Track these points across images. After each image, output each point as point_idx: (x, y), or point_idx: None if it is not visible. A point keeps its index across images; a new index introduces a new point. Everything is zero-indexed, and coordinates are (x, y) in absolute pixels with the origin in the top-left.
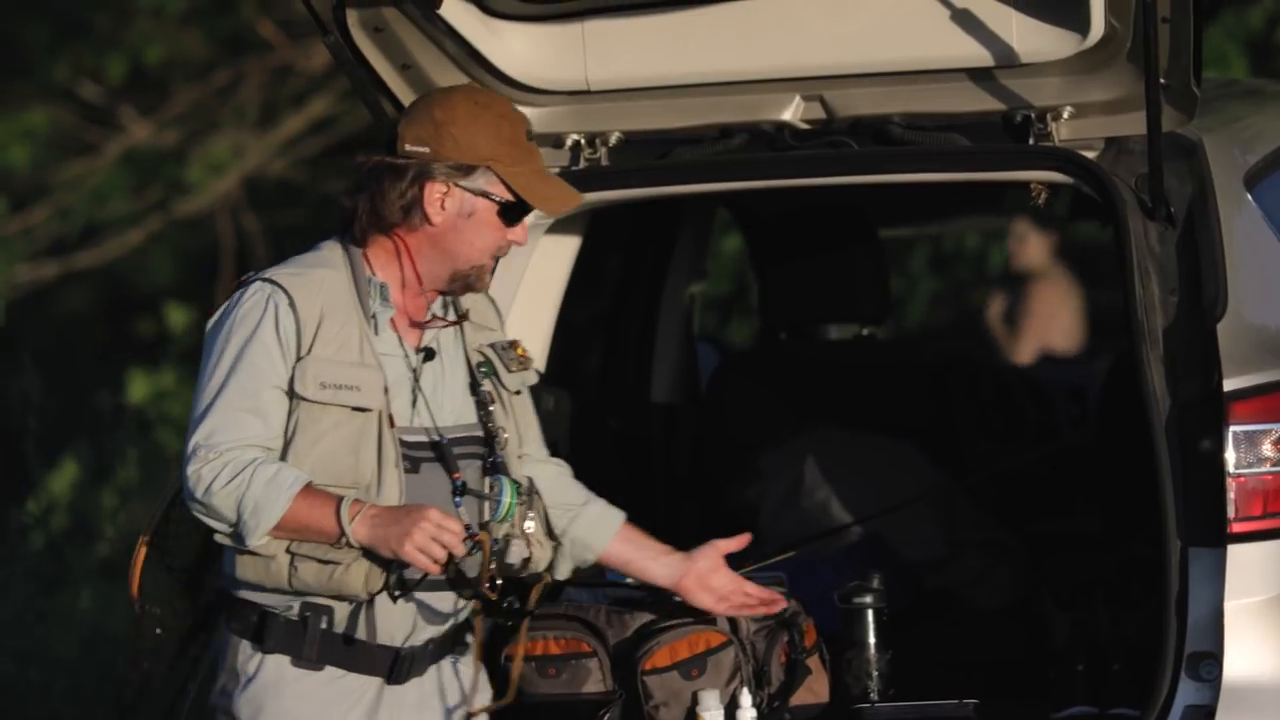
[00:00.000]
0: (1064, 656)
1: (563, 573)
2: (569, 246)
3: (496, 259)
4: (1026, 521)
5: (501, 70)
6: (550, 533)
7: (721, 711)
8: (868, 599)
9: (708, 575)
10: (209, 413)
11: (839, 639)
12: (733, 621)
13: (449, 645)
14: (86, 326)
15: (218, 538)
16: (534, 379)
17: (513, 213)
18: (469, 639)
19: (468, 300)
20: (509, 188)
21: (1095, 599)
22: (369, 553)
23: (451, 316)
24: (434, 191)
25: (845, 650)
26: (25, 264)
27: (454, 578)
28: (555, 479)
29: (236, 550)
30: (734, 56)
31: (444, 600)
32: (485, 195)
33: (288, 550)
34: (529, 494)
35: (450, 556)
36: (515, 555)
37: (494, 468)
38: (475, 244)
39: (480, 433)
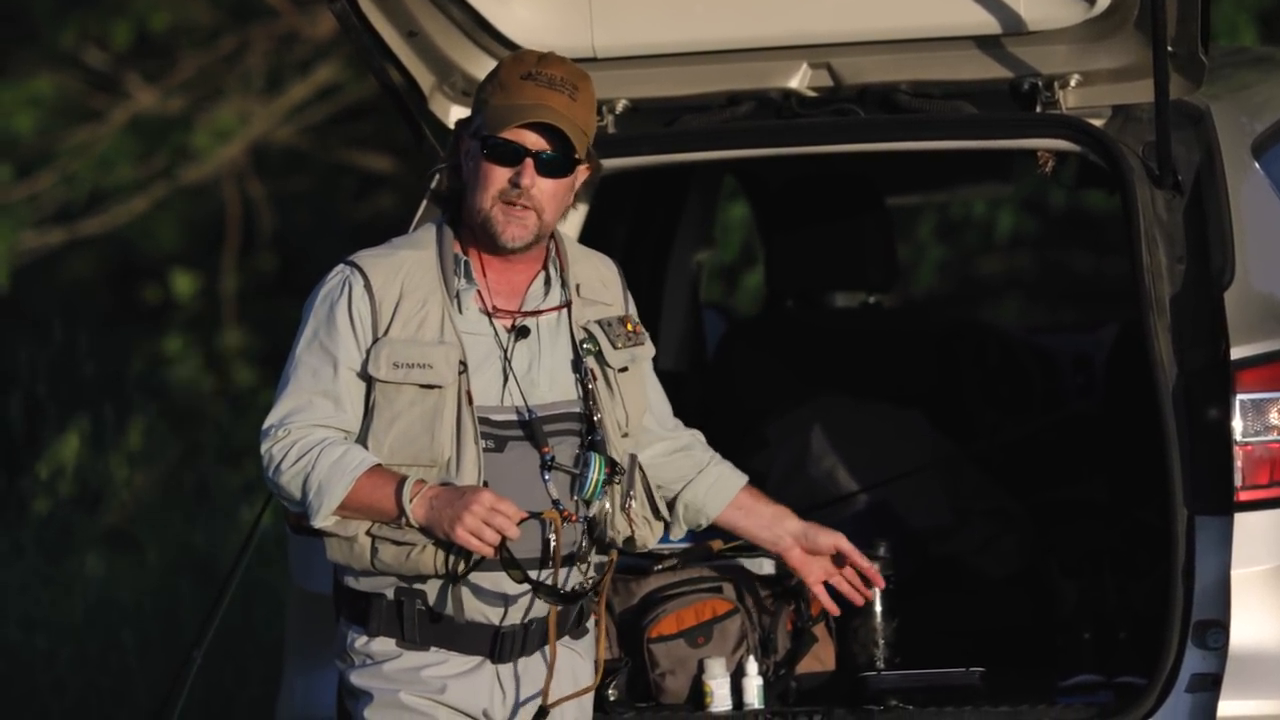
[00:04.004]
0: (1070, 625)
1: (676, 534)
2: (576, 214)
3: (522, 206)
4: (1033, 490)
5: (507, 37)
6: (657, 512)
7: (728, 679)
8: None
9: (816, 540)
10: (283, 394)
11: (845, 607)
12: (739, 589)
13: (566, 627)
14: (92, 293)
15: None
16: (649, 353)
17: (494, 149)
18: (590, 624)
19: (580, 274)
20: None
21: (1102, 567)
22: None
23: (556, 294)
24: (461, 149)
25: (851, 618)
26: (31, 231)
27: (507, 560)
28: (673, 453)
29: (325, 534)
30: (741, 23)
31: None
32: (474, 136)
33: (368, 532)
34: (628, 472)
35: (504, 539)
36: (610, 532)
37: (591, 445)
38: (477, 188)
39: (579, 410)
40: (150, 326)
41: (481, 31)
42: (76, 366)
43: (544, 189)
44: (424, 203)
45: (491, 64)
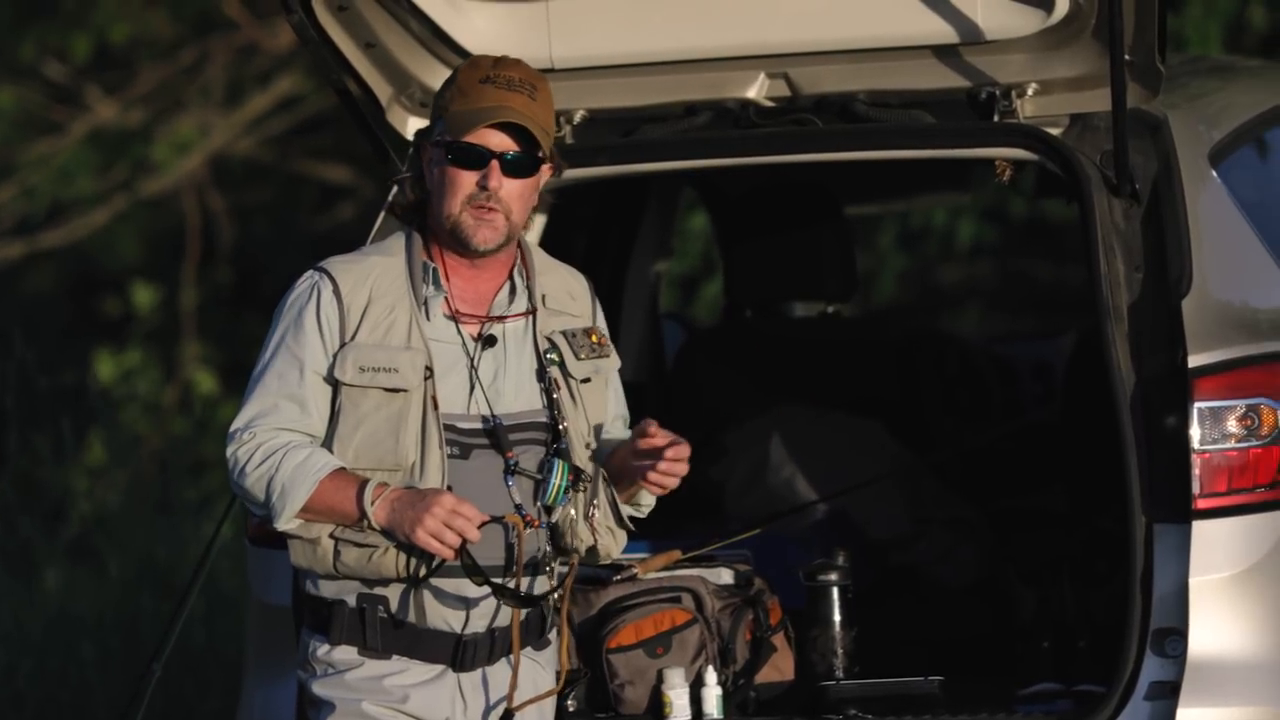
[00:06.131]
0: (1029, 633)
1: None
2: (534, 224)
3: (490, 208)
4: (992, 498)
5: (466, 48)
6: (621, 522)
7: (687, 689)
8: (833, 576)
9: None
10: (250, 399)
11: (804, 616)
12: (698, 599)
13: (528, 637)
14: (52, 306)
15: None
16: (613, 366)
17: (459, 153)
18: (552, 635)
19: (546, 285)
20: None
21: (1061, 576)
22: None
23: (523, 304)
24: (424, 158)
25: (810, 628)
26: None
27: (468, 564)
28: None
29: (288, 537)
30: (699, 34)
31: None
32: (438, 143)
33: (331, 535)
34: (593, 481)
35: (464, 543)
36: (573, 541)
37: (556, 453)
38: (445, 195)
39: (545, 419)
40: (110, 339)
41: (439, 43)
42: (36, 379)
43: (511, 190)
44: (382, 214)
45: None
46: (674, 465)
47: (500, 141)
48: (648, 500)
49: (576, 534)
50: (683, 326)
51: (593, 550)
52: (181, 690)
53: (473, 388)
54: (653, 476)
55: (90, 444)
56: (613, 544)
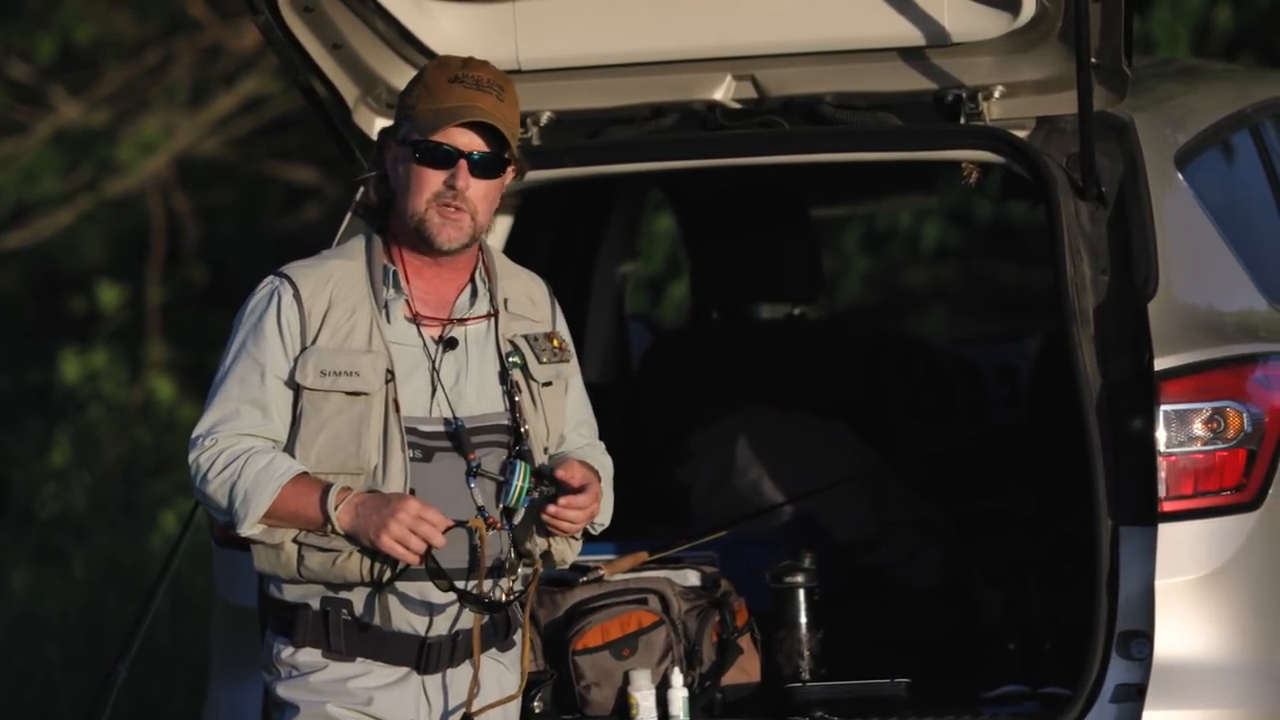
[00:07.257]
0: (995, 635)
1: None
2: (500, 226)
3: (456, 208)
4: (958, 501)
5: (432, 50)
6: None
7: (653, 691)
8: (799, 578)
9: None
10: (211, 405)
11: (771, 618)
12: (664, 601)
13: (493, 638)
14: (16, 306)
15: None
16: (573, 371)
17: (427, 152)
18: (517, 636)
19: (508, 290)
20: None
21: (1026, 578)
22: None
23: (484, 307)
24: (387, 157)
25: (777, 630)
26: None
27: (432, 569)
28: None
29: (251, 542)
30: (665, 35)
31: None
32: (404, 142)
33: (295, 539)
34: (552, 484)
35: (429, 548)
36: (532, 544)
37: (518, 456)
38: (411, 193)
39: (507, 422)
40: (75, 339)
41: (406, 44)
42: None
43: (477, 190)
44: (349, 215)
45: None
46: (563, 511)
47: (469, 141)
48: (600, 519)
49: (532, 538)
50: (649, 328)
51: (547, 555)
52: (146, 691)
53: (434, 390)
54: (544, 517)
55: (57, 444)
56: (566, 550)
